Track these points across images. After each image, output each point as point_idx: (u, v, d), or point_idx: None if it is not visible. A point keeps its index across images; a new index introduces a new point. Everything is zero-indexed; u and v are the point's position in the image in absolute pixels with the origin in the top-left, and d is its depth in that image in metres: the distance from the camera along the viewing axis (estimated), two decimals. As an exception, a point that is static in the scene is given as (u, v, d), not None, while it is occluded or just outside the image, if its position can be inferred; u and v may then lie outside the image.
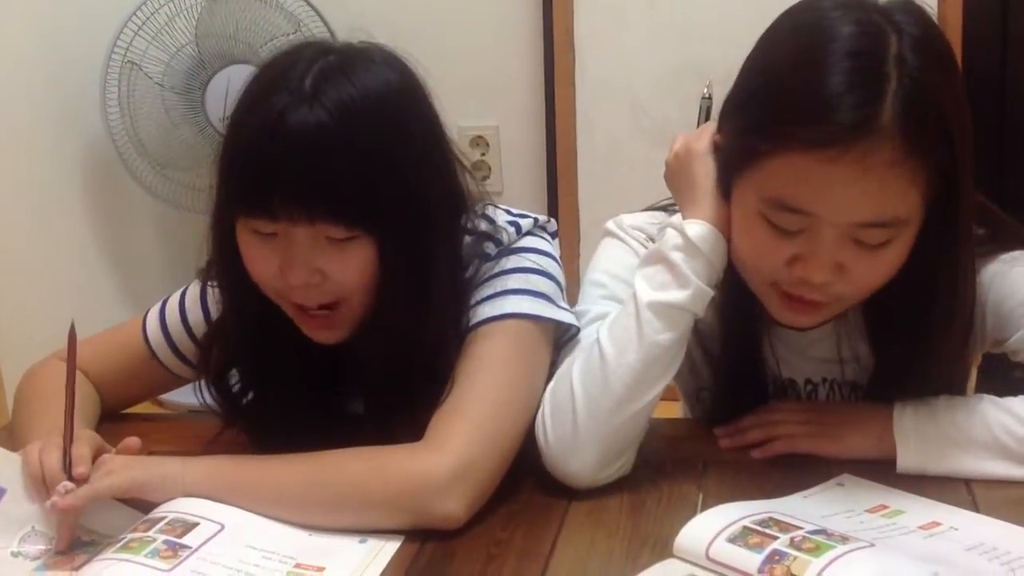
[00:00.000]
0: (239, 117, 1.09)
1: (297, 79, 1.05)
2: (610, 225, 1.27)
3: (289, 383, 1.19)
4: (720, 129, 1.14)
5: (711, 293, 1.11)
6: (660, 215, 1.26)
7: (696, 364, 1.25)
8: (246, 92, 1.10)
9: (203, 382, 1.23)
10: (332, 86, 1.05)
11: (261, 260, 1.10)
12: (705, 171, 1.13)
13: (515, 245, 1.18)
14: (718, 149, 1.13)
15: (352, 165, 1.04)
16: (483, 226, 1.18)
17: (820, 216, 1.03)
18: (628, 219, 1.26)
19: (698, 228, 1.10)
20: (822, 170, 1.00)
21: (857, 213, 1.02)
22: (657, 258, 1.11)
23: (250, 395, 1.22)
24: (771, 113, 1.04)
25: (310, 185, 1.04)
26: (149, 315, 1.30)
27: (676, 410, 1.39)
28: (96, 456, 1.07)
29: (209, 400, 1.23)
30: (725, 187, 1.11)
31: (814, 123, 1.00)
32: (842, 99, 1.00)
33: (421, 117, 1.12)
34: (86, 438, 1.08)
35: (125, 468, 1.05)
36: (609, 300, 1.19)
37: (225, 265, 1.15)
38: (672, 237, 1.10)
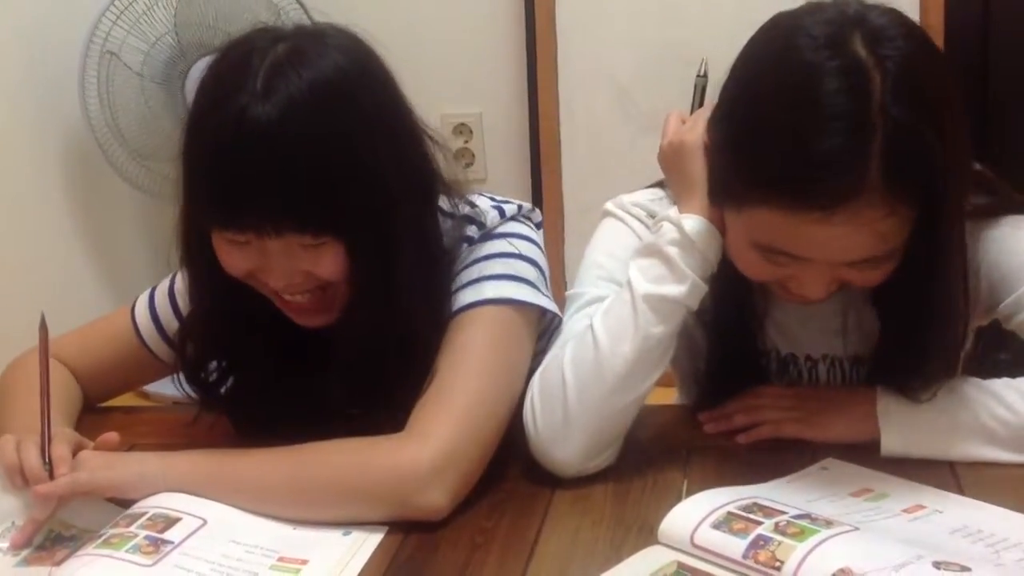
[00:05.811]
0: (198, 117, 1.07)
1: (251, 77, 1.02)
2: (609, 206, 1.26)
3: (266, 373, 1.18)
4: (708, 134, 1.12)
5: (705, 288, 1.10)
6: (660, 191, 1.25)
7: (697, 346, 1.24)
8: (202, 89, 1.08)
9: (181, 375, 1.22)
10: (283, 82, 1.02)
11: (238, 262, 1.09)
12: (698, 167, 1.12)
13: (498, 230, 1.18)
14: (708, 152, 1.12)
15: (313, 172, 1.02)
16: (465, 210, 1.17)
17: (812, 259, 1.03)
18: (628, 197, 1.25)
19: (693, 223, 1.09)
20: (811, 227, 1.00)
21: (849, 255, 1.03)
22: (652, 251, 1.10)
23: (229, 383, 1.21)
24: (756, 169, 1.02)
25: (274, 201, 1.03)
26: (138, 302, 1.30)
27: (671, 396, 1.38)
28: (74, 453, 1.05)
29: (189, 390, 1.22)
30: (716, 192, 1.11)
31: (802, 188, 0.99)
32: (828, 166, 0.97)
33: (378, 97, 1.09)
34: (64, 436, 1.07)
35: (105, 468, 1.04)
36: (607, 281, 1.18)
37: (193, 259, 1.14)
38: (668, 231, 1.10)
